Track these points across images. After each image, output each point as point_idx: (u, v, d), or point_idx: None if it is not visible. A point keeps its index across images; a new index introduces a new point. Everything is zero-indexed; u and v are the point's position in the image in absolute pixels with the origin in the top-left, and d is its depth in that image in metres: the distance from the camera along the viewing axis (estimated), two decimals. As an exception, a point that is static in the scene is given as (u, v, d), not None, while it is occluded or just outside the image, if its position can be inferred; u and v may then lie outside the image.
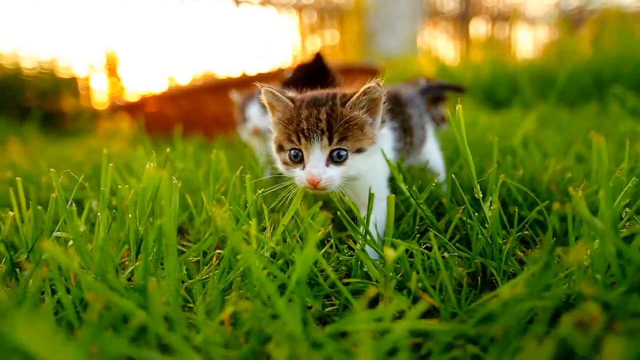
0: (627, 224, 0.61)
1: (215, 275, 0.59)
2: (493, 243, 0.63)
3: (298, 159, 0.72)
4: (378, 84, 0.70)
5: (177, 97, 2.60)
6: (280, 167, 0.76)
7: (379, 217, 0.74)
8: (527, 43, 7.03)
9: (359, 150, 0.71)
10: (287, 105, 0.74)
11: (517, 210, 0.71)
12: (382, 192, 0.79)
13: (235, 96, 1.41)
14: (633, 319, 0.41)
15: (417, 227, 0.76)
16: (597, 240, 0.52)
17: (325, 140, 0.69)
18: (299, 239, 0.68)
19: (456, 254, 0.66)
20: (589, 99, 2.27)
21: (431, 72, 3.47)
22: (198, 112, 2.57)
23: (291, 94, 0.77)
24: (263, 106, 0.86)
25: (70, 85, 4.89)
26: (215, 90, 2.52)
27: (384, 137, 0.80)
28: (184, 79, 4.89)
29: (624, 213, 0.62)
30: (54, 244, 0.47)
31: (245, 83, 2.44)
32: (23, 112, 4.29)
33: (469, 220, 0.70)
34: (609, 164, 0.56)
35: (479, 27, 6.96)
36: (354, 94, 0.71)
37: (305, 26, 5.84)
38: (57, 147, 2.91)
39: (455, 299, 0.53)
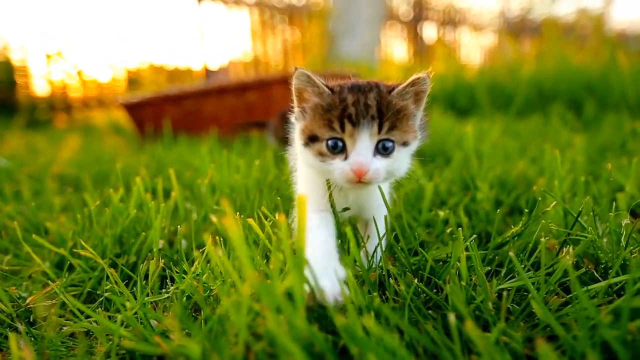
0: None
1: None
2: (490, 215, 1.01)
3: (338, 150, 0.63)
4: (428, 75, 0.67)
5: (179, 98, 2.81)
6: (310, 161, 0.67)
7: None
8: (473, 47, 7.64)
9: (405, 144, 0.66)
10: (324, 91, 0.66)
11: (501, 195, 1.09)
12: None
13: None
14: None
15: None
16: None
17: (375, 128, 0.62)
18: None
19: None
20: (533, 109, 2.76)
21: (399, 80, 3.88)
22: (198, 113, 2.80)
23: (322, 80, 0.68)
24: None
25: (25, 75, 4.78)
26: (215, 93, 2.77)
27: None
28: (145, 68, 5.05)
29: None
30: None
31: (244, 87, 2.72)
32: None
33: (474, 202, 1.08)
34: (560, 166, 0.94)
35: (429, 31, 7.42)
36: (400, 83, 0.67)
37: (266, 24, 6.04)
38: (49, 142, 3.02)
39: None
